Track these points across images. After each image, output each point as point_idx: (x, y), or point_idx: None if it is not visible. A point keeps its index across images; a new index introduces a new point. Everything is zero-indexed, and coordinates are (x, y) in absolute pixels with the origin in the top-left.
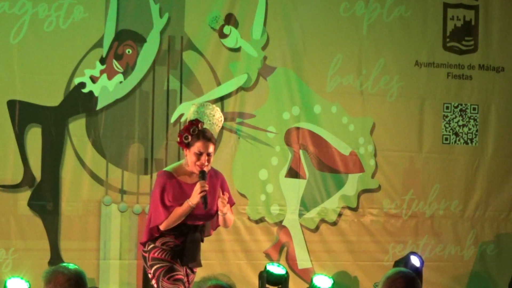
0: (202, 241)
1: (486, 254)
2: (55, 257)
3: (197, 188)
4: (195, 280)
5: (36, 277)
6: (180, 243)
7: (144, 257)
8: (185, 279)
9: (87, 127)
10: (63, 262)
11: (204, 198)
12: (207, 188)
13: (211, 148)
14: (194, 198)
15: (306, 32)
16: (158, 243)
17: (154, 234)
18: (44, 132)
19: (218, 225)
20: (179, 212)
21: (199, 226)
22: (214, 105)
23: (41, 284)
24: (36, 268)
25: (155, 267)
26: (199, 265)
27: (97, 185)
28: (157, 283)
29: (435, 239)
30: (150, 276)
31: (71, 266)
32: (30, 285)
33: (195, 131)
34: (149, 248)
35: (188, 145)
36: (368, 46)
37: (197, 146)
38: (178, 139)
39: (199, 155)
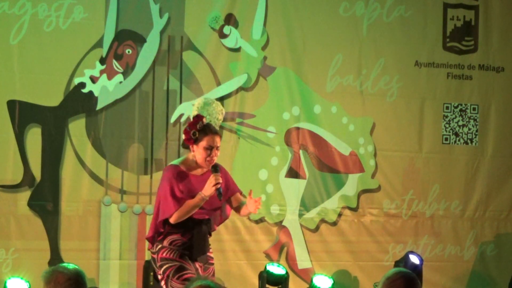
0: (210, 234)
1: (486, 254)
2: (55, 257)
3: (211, 181)
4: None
5: (36, 277)
6: (187, 240)
7: (153, 259)
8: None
9: (87, 127)
10: (63, 262)
11: (218, 190)
12: (221, 181)
13: (219, 142)
14: (208, 190)
15: (306, 32)
16: (165, 243)
17: (159, 229)
18: (44, 132)
19: (221, 222)
20: (191, 204)
21: (205, 220)
22: (214, 99)
23: (41, 284)
24: (36, 268)
25: (164, 267)
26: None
27: (97, 185)
28: (166, 283)
29: (435, 239)
30: (159, 277)
31: (71, 266)
32: (30, 285)
33: (201, 126)
34: (157, 249)
35: (196, 141)
36: (368, 46)
37: (207, 140)
38: (184, 137)
39: (209, 149)
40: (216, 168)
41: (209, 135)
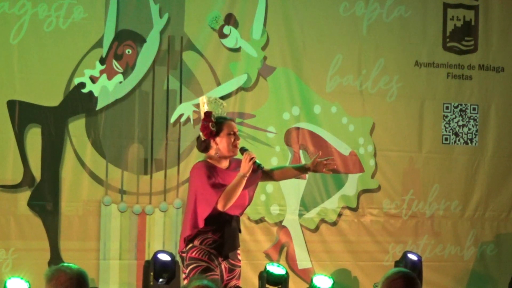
0: (240, 231)
1: (486, 254)
2: (55, 257)
3: (246, 158)
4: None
5: (36, 277)
6: (218, 238)
7: (182, 258)
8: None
9: (87, 127)
10: (63, 262)
11: (256, 162)
12: (254, 155)
13: (236, 126)
14: (245, 167)
15: (306, 32)
16: (196, 242)
17: (199, 226)
18: (44, 132)
19: (246, 207)
20: (232, 184)
21: (235, 217)
22: (215, 97)
23: (41, 284)
24: (36, 268)
25: (191, 266)
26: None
27: (97, 185)
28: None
29: (435, 239)
30: (183, 276)
31: (74, 266)
32: (30, 285)
33: (215, 117)
34: (187, 248)
35: (217, 132)
36: (368, 46)
37: (226, 127)
38: (204, 133)
39: (232, 134)
40: (244, 147)
41: (227, 122)
